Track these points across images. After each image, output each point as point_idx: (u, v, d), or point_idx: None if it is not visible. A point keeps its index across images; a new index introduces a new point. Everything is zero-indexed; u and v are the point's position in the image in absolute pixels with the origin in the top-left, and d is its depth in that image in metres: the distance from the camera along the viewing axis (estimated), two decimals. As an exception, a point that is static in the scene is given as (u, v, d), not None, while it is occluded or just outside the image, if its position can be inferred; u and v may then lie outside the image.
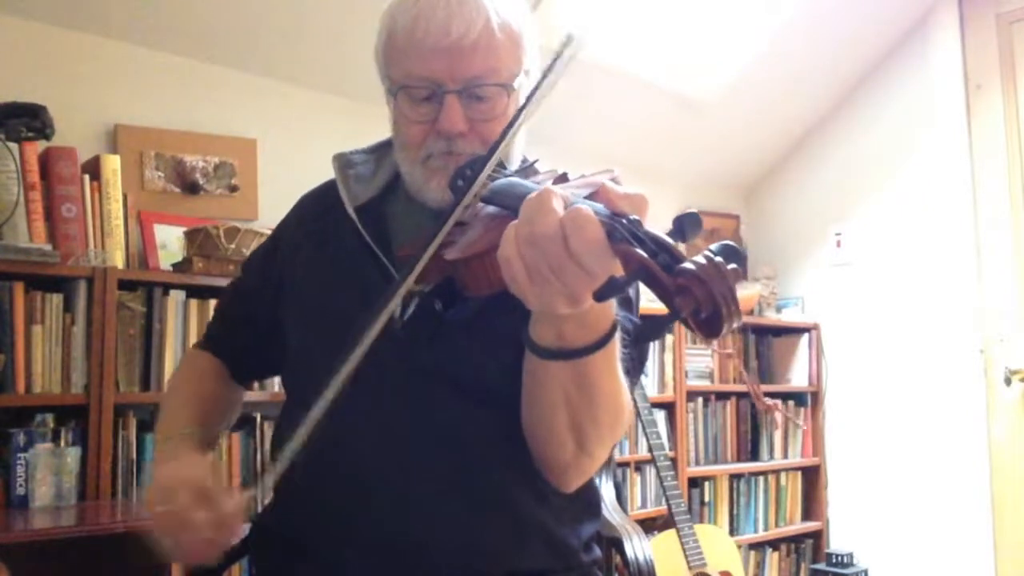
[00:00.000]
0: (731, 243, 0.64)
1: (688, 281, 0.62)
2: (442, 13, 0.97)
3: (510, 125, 0.89)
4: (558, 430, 0.91)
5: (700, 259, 0.62)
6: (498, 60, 0.99)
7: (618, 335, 0.85)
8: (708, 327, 0.62)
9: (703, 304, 0.61)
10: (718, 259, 0.62)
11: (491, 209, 0.87)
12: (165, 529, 0.88)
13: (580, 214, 0.68)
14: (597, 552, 1.10)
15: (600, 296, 0.67)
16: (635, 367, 1.02)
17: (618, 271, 0.68)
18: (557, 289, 0.71)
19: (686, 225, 0.70)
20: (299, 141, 2.53)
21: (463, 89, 0.98)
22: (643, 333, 0.65)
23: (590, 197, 0.74)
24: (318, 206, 1.16)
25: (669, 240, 0.67)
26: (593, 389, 0.86)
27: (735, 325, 0.62)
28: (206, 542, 0.86)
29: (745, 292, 3.40)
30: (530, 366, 0.89)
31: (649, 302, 1.42)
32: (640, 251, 0.66)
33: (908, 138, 3.35)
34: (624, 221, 0.69)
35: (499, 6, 1.00)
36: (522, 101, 1.04)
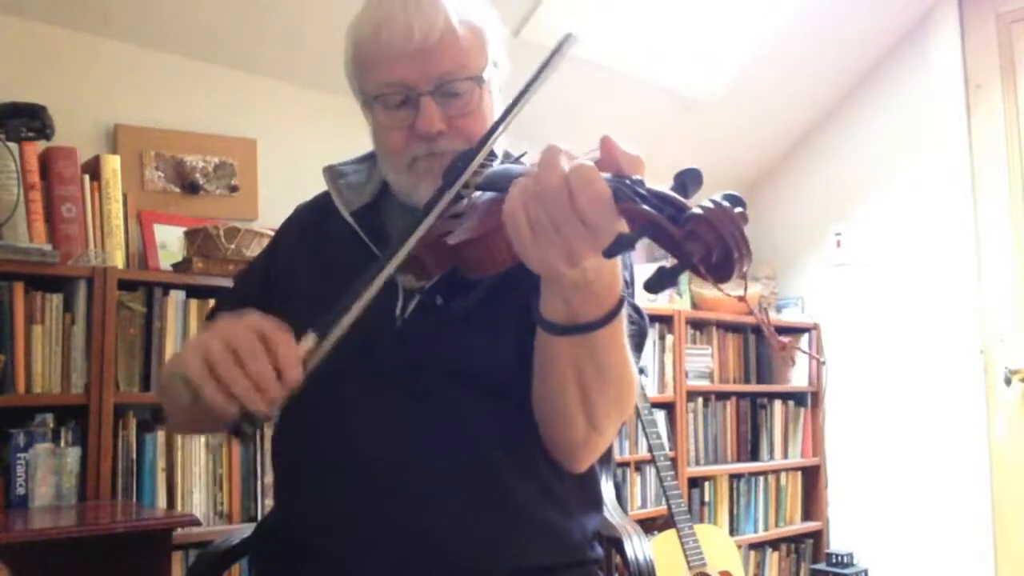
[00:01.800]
0: (734, 192, 0.65)
1: (696, 226, 0.62)
2: (402, 18, 0.98)
3: (502, 118, 0.90)
4: (569, 407, 0.92)
5: (707, 203, 0.63)
6: (465, 55, 1.01)
7: (625, 311, 0.85)
8: (719, 271, 0.63)
9: (713, 247, 0.62)
10: (725, 203, 0.63)
11: (488, 195, 0.88)
12: (215, 370, 0.78)
13: (585, 170, 0.69)
14: (599, 550, 1.11)
15: (609, 252, 0.68)
16: (638, 344, 1.03)
17: (623, 230, 0.69)
18: (558, 246, 0.71)
19: (688, 180, 0.70)
20: (299, 141, 2.52)
21: (435, 88, 1.00)
22: (656, 283, 0.65)
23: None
24: (314, 215, 1.17)
25: (673, 194, 0.68)
26: (602, 364, 0.87)
27: (746, 267, 0.62)
28: (265, 387, 0.77)
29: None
30: (540, 344, 0.90)
31: (650, 301, 1.43)
32: (646, 207, 0.67)
33: (908, 138, 3.35)
34: (627, 181, 0.69)
35: (457, 3, 1.01)
36: (496, 92, 1.06)
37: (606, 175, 0.71)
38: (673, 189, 0.69)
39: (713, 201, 0.63)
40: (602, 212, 0.68)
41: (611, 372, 0.89)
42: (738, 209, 0.63)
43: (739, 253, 0.62)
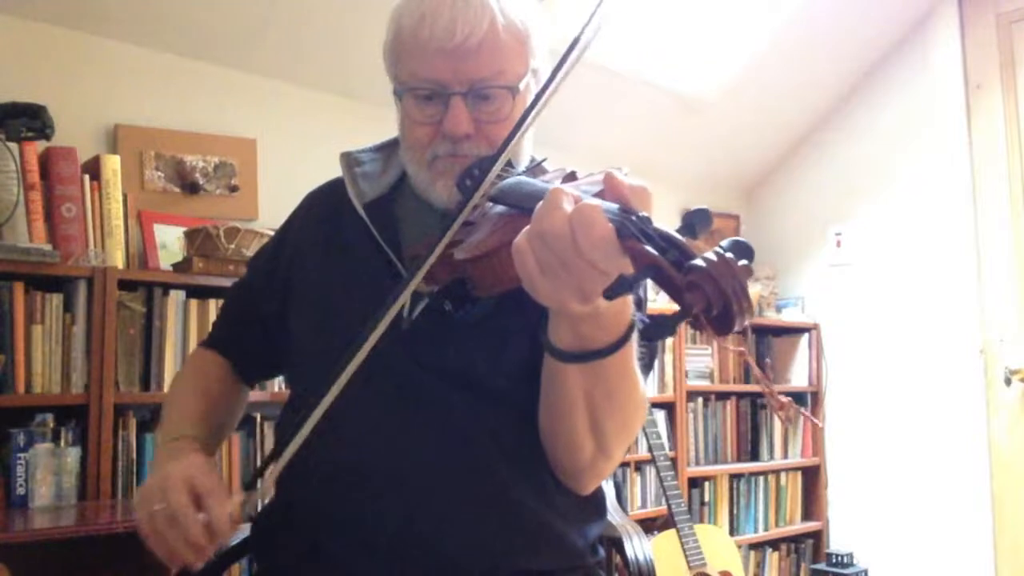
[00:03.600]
0: (742, 240, 0.64)
1: (699, 277, 0.61)
2: (447, 14, 0.96)
3: (518, 125, 0.88)
4: (577, 432, 0.91)
5: (711, 255, 0.61)
6: (504, 61, 0.98)
7: (635, 335, 0.84)
8: (719, 324, 0.61)
9: (714, 301, 0.60)
10: (729, 255, 0.61)
11: (499, 209, 0.86)
12: (155, 529, 0.87)
13: (588, 211, 0.67)
14: (601, 553, 1.10)
15: (610, 294, 0.67)
16: (647, 364, 1.02)
17: (628, 269, 0.68)
18: (567, 284, 0.70)
19: (696, 221, 0.69)
20: (299, 141, 2.53)
21: (468, 91, 0.98)
22: (654, 331, 0.64)
23: (599, 195, 0.73)
24: (327, 204, 1.15)
25: (679, 236, 0.66)
26: (612, 389, 0.86)
27: (747, 321, 0.61)
28: (195, 546, 0.85)
29: (745, 292, 3.39)
30: (548, 369, 0.89)
31: (651, 301, 1.42)
32: (650, 248, 0.65)
33: (908, 138, 3.35)
34: (633, 218, 0.68)
35: (505, 6, 0.99)
36: (530, 102, 1.04)
37: (613, 207, 0.69)
38: (681, 229, 0.67)
39: (717, 253, 0.62)
40: (605, 252, 0.67)
41: (620, 396, 0.87)
42: (742, 262, 0.61)
43: (739, 307, 0.60)
